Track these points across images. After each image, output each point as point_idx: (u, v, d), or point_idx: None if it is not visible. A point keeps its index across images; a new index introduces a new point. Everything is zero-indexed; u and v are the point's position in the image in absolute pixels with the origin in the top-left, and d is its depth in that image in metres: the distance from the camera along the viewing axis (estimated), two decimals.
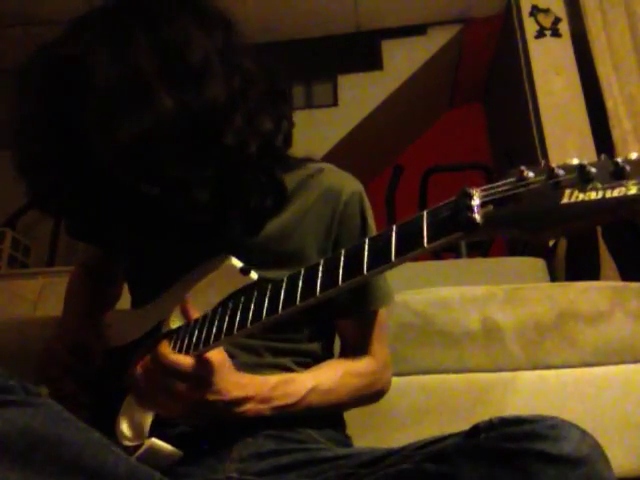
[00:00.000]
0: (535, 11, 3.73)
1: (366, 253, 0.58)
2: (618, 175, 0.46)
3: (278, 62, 0.87)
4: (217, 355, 0.73)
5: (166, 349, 0.73)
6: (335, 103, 4.42)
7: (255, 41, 0.86)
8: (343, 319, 0.93)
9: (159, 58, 0.72)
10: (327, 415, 0.89)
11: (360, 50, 4.49)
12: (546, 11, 3.72)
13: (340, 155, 3.97)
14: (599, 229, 2.41)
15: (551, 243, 2.74)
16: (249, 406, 0.76)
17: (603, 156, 0.49)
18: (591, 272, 2.30)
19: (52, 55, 0.76)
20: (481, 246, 3.16)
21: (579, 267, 2.38)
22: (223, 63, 0.76)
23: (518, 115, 3.85)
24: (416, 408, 1.22)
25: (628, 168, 0.46)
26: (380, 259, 0.57)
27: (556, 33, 3.65)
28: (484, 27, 4.29)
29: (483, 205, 0.51)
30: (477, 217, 0.50)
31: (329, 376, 0.86)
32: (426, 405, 1.22)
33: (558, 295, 1.34)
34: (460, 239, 0.52)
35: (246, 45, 0.83)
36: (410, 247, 0.55)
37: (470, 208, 0.50)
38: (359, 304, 0.91)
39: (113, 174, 0.74)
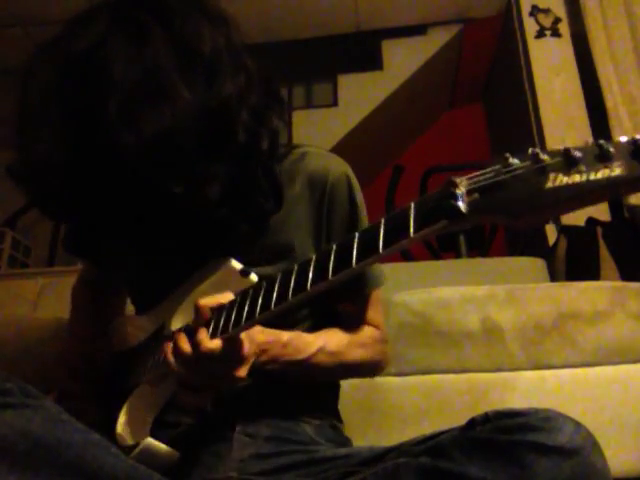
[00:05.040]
0: (535, 11, 3.73)
1: (355, 246, 0.59)
2: (603, 158, 0.47)
3: (277, 62, 0.87)
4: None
5: (202, 334, 0.70)
6: (335, 103, 4.43)
7: (255, 41, 0.86)
8: (340, 302, 0.93)
9: (175, 53, 0.72)
10: (326, 418, 0.89)
11: (360, 50, 4.49)
12: (546, 11, 3.72)
13: (340, 155, 3.95)
14: (599, 229, 2.41)
15: (551, 242, 2.74)
16: (263, 358, 0.76)
17: (589, 140, 0.49)
18: (591, 272, 2.30)
19: (63, 51, 0.74)
20: (481, 246, 3.17)
21: (579, 267, 2.38)
22: (230, 60, 0.76)
23: (518, 115, 3.85)
24: (416, 408, 1.22)
25: (612, 150, 0.46)
26: (368, 251, 0.57)
27: (556, 33, 3.66)
28: (484, 27, 4.30)
29: (469, 193, 0.51)
30: (462, 205, 0.50)
31: (335, 340, 0.86)
32: (426, 405, 1.22)
33: (558, 295, 1.34)
34: (446, 228, 0.52)
35: (246, 44, 0.82)
36: (397, 238, 0.55)
37: (455, 196, 0.51)
38: (355, 288, 0.91)
39: (138, 171, 0.71)
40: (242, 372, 0.71)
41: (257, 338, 0.75)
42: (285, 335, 0.80)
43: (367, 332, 0.91)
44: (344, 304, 0.93)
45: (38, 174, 0.75)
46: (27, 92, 0.77)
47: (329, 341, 0.85)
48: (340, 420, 0.94)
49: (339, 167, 0.92)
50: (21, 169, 0.76)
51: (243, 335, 0.70)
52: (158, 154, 0.70)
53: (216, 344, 0.68)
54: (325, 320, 0.92)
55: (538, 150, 0.49)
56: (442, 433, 0.66)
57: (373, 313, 0.93)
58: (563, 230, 2.58)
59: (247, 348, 0.71)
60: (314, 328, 0.90)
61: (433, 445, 0.64)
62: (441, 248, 3.24)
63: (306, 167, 0.90)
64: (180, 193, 0.72)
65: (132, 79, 0.70)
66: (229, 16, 0.82)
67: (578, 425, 0.59)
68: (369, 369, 0.94)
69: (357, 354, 0.88)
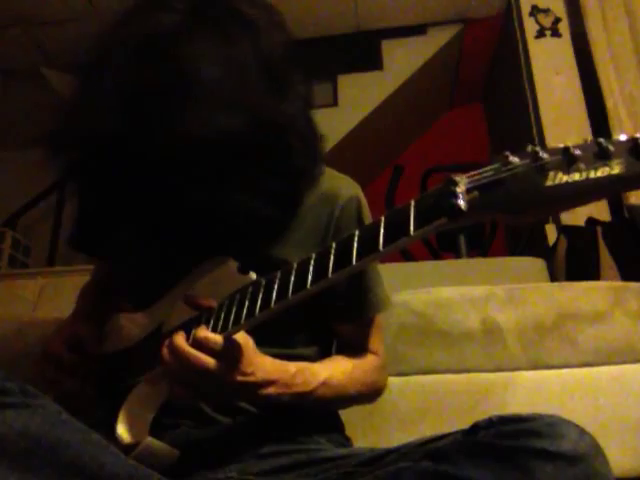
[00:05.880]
0: (535, 11, 3.73)
1: (355, 244, 0.58)
2: (602, 156, 0.47)
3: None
4: (242, 336, 0.71)
5: (202, 330, 0.71)
6: (335, 103, 4.42)
7: None
8: (341, 324, 0.92)
9: (257, 61, 0.72)
10: (325, 417, 0.89)
11: (360, 50, 4.49)
12: (546, 11, 3.72)
13: (340, 155, 3.97)
14: (599, 229, 2.41)
15: (551, 242, 2.74)
16: (271, 390, 0.75)
17: (588, 138, 0.49)
18: (591, 272, 2.30)
19: (146, 26, 0.73)
20: (481, 246, 3.17)
21: (579, 267, 2.38)
22: (296, 76, 0.77)
23: (518, 115, 3.85)
24: (416, 408, 1.22)
25: (612, 148, 0.47)
26: (368, 249, 0.57)
27: (556, 33, 3.65)
28: (484, 27, 4.29)
29: (469, 191, 0.52)
30: (461, 203, 0.51)
31: (340, 370, 0.85)
32: (426, 405, 1.22)
33: (558, 295, 1.34)
34: (446, 226, 0.53)
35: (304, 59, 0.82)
36: (397, 236, 0.55)
37: (455, 194, 0.51)
38: (357, 311, 0.90)
39: (186, 169, 0.70)
40: (232, 378, 0.70)
41: (267, 368, 0.74)
42: (293, 366, 0.79)
43: (368, 361, 0.90)
44: (344, 326, 0.92)
45: (85, 139, 0.73)
46: (100, 63, 0.75)
47: (333, 374, 0.83)
48: (340, 420, 0.94)
49: (350, 189, 0.92)
50: (69, 133, 0.75)
51: (241, 339, 0.70)
52: (219, 156, 0.69)
53: (213, 336, 0.68)
54: (326, 345, 0.92)
55: (538, 148, 0.50)
56: (444, 436, 0.66)
57: (374, 340, 0.92)
58: (563, 230, 2.58)
59: (243, 348, 0.70)
60: (316, 353, 0.89)
61: (435, 449, 0.64)
62: (441, 248, 3.24)
63: (318, 186, 0.89)
64: (236, 202, 0.72)
65: (216, 79, 0.70)
66: (290, 31, 0.81)
67: (582, 432, 0.59)
68: (368, 396, 0.93)
69: (357, 387, 0.87)
